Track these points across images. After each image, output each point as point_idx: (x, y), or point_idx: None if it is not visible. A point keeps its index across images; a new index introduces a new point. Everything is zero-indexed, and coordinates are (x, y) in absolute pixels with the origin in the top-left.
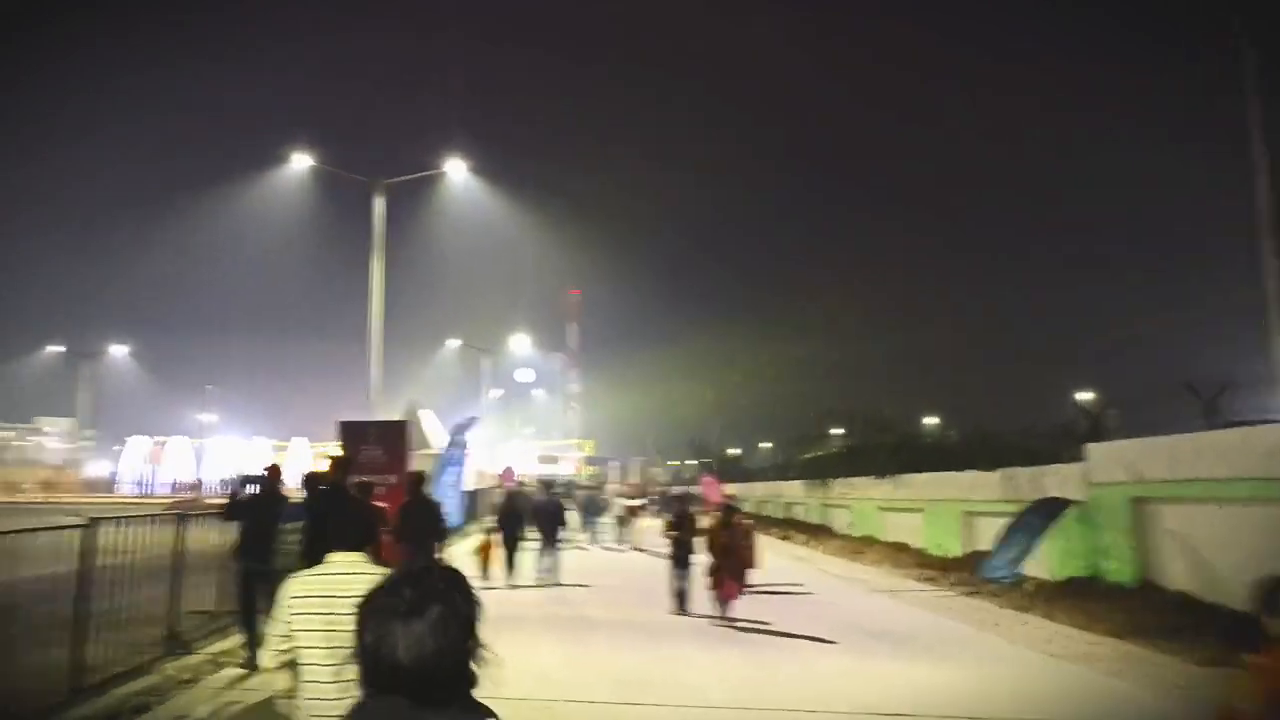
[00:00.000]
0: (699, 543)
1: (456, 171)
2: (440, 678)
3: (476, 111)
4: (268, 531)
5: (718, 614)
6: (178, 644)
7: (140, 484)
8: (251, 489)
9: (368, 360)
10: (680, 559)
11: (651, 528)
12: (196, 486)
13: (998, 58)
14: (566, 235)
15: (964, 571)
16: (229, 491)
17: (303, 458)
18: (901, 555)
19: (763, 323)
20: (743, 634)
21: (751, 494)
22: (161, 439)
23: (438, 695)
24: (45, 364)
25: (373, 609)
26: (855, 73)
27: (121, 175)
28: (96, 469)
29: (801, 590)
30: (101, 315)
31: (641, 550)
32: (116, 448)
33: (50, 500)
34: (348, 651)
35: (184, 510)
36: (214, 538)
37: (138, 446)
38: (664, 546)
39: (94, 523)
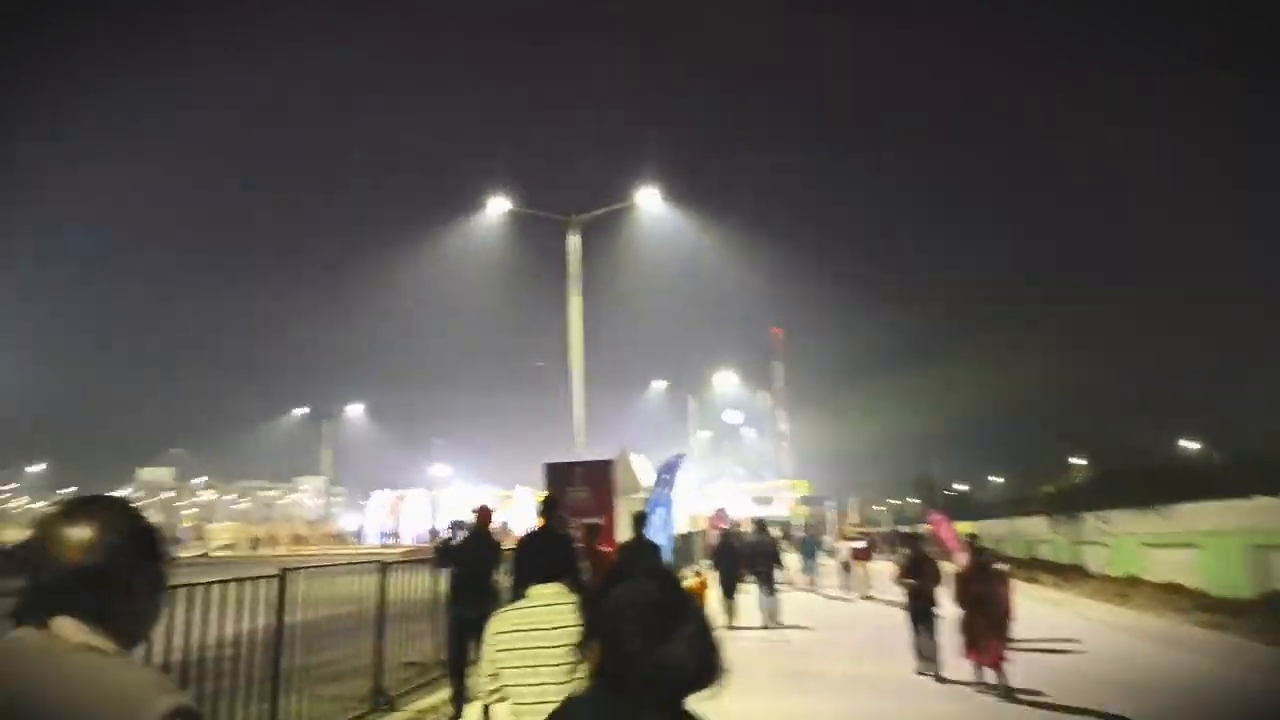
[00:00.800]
0: (943, 592)
1: (650, 201)
2: (691, 686)
3: (670, 144)
4: (480, 577)
5: (976, 679)
6: (383, 698)
7: (385, 535)
8: (462, 534)
9: (570, 402)
10: (920, 612)
11: (879, 572)
12: (394, 534)
13: None
14: (769, 268)
15: (1260, 616)
16: (440, 538)
17: (526, 505)
18: (1175, 597)
19: (982, 348)
20: (1018, 708)
21: (987, 532)
22: (401, 492)
23: (677, 701)
24: (294, 425)
25: (640, 616)
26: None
27: (335, 237)
28: (347, 522)
29: (1075, 646)
30: (337, 375)
31: (871, 598)
32: (363, 501)
33: (298, 553)
34: (555, 681)
35: (408, 559)
36: (428, 585)
37: (380, 500)
38: (897, 594)
39: (286, 573)
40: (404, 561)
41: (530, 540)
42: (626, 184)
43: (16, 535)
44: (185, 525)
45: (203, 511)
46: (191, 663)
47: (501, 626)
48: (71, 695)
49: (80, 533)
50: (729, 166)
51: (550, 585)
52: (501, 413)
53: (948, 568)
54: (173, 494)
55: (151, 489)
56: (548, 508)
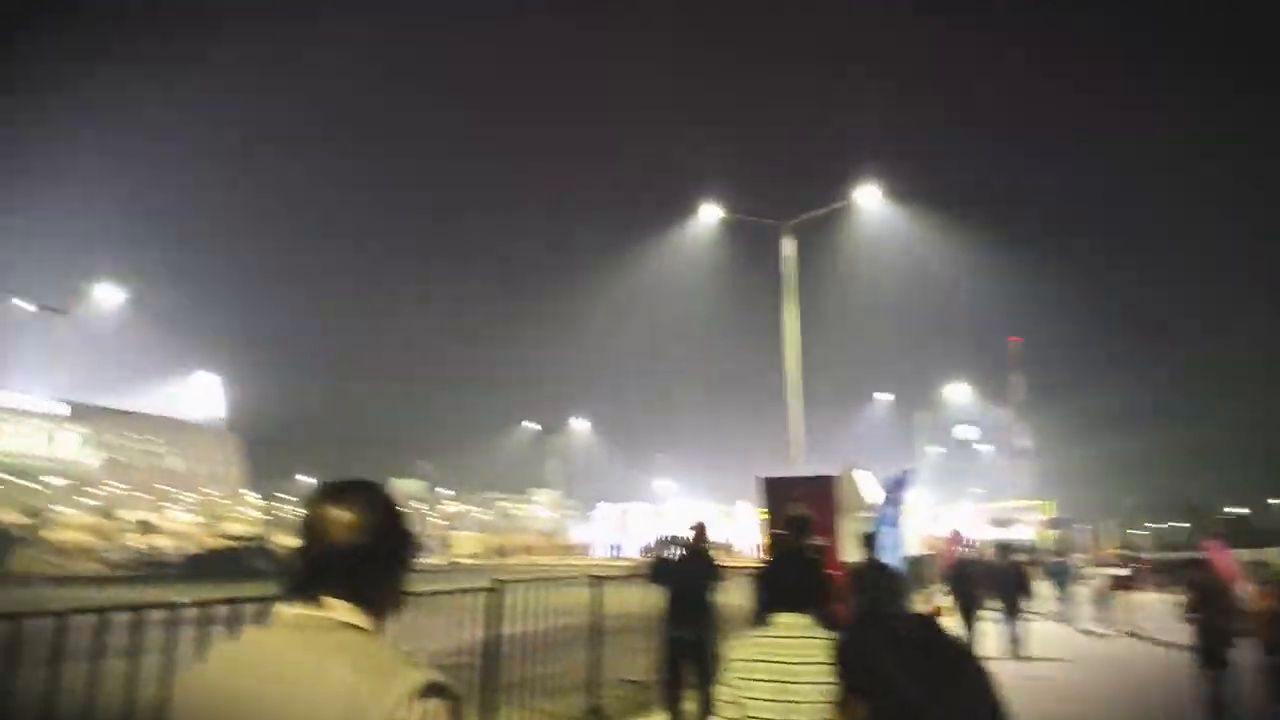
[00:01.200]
0: (1241, 630)
1: (869, 200)
2: None
3: (888, 142)
4: (696, 598)
5: None
6: (598, 717)
7: (611, 548)
8: (677, 550)
9: (786, 416)
10: (1213, 654)
11: (1144, 604)
12: (619, 547)
13: None
14: (1004, 271)
15: None
16: (653, 553)
17: (745, 521)
18: None
19: (1253, 356)
20: None
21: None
22: (626, 506)
23: None
24: (525, 440)
25: (913, 662)
26: None
27: (554, 253)
28: (578, 535)
29: None
30: (561, 390)
31: (1135, 634)
32: (590, 514)
33: (534, 563)
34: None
35: (629, 573)
36: (645, 601)
37: (605, 513)
38: (1168, 631)
39: (501, 585)
40: (619, 576)
41: (779, 563)
42: (841, 184)
43: (293, 540)
44: (433, 534)
45: (449, 521)
46: None
47: (746, 654)
48: (333, 668)
49: (347, 514)
50: (964, 161)
51: (801, 616)
52: (721, 426)
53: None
54: (423, 505)
55: (404, 499)
56: (798, 528)
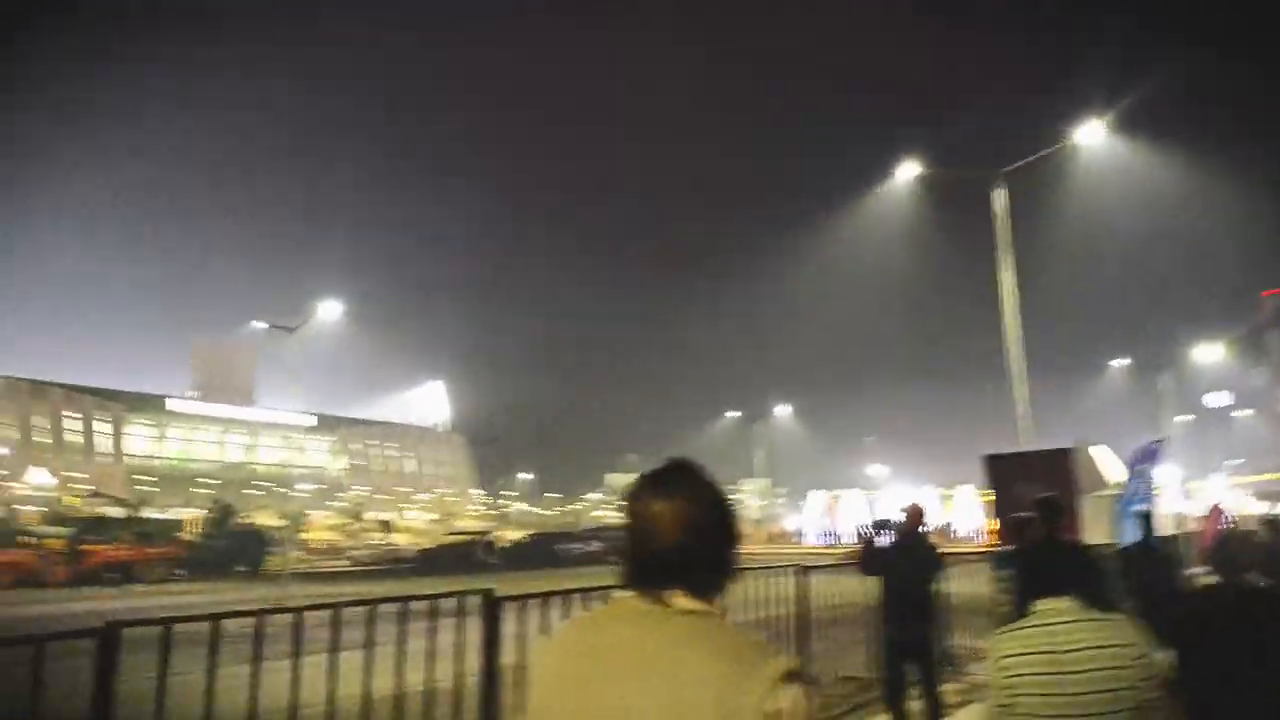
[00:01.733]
0: None
1: (1092, 137)
2: None
3: (1117, 70)
4: (915, 588)
5: None
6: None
7: (822, 536)
8: (887, 536)
9: (1008, 389)
10: None
11: None
12: (833, 534)
13: None
14: (1259, 216)
15: None
16: (863, 539)
17: (968, 505)
18: None
19: None
20: None
21: None
22: (836, 493)
23: None
24: (729, 428)
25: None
26: None
27: (743, 234)
28: (789, 523)
29: None
30: (762, 376)
31: None
32: (801, 502)
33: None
34: (1082, 715)
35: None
36: (859, 591)
37: (816, 500)
38: None
39: None
40: (828, 565)
41: (1037, 548)
42: (1058, 124)
43: (518, 535)
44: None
45: None
46: None
47: (1013, 648)
48: (692, 656)
49: (675, 503)
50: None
51: (1063, 600)
52: (935, 405)
53: None
54: None
55: (618, 493)
56: (1049, 512)
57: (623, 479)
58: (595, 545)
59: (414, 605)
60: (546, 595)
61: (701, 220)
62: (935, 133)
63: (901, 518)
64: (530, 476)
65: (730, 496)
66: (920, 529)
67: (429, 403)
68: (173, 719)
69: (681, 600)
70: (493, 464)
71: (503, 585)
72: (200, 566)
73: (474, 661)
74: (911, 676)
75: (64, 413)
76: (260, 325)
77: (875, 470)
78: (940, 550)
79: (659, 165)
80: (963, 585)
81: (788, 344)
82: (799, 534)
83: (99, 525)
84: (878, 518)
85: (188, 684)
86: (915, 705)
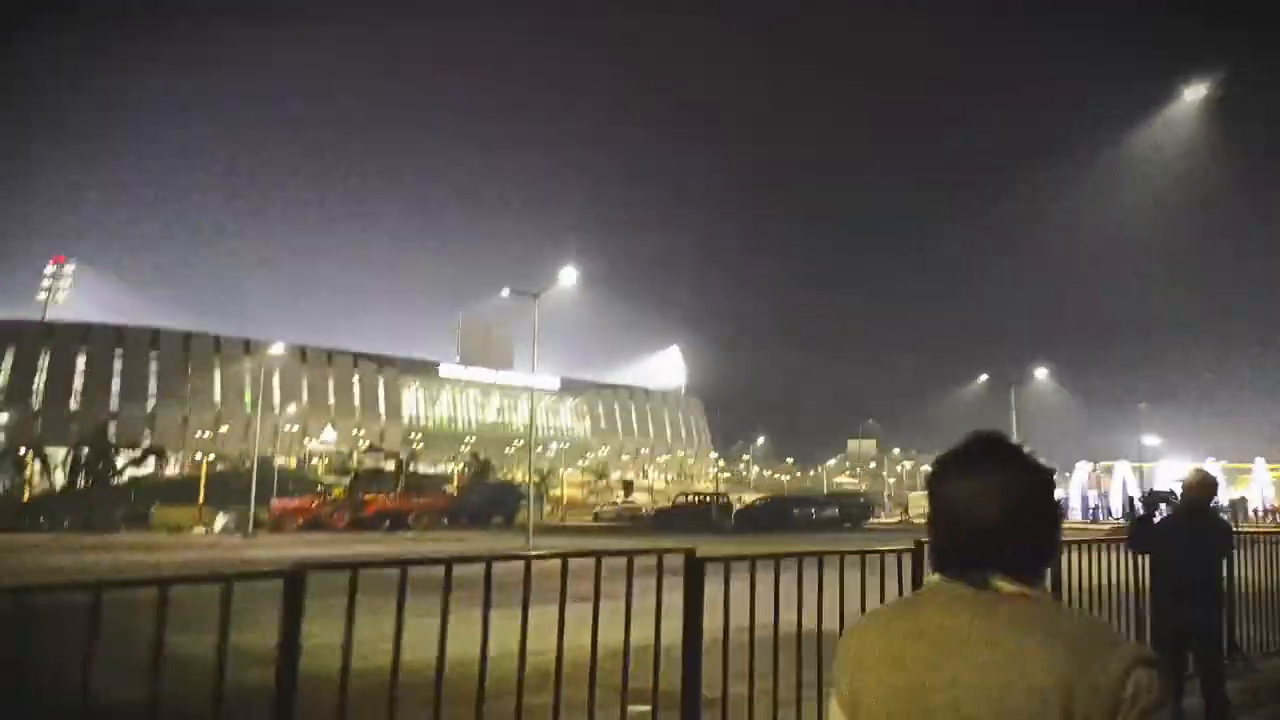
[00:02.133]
0: None
1: None
2: None
3: None
4: (1197, 570)
5: None
6: None
7: (1089, 510)
8: (1164, 510)
9: None
10: None
11: None
12: (1100, 510)
13: None
14: None
15: None
16: (1138, 514)
17: (1263, 481)
18: None
19: None
20: None
21: None
22: (1106, 464)
23: None
24: (980, 392)
25: None
26: None
27: (998, 186)
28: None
29: None
30: (1019, 335)
31: None
32: (1067, 474)
33: None
34: None
35: (1109, 538)
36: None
37: (1081, 473)
38: None
39: (920, 546)
40: (1088, 540)
41: None
42: None
43: (750, 497)
44: (888, 494)
45: (904, 480)
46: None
47: None
48: (1033, 644)
49: (992, 483)
50: None
51: None
52: (1223, 369)
53: None
54: (874, 464)
55: (859, 459)
56: None
57: (864, 445)
58: (832, 511)
59: (617, 561)
60: (753, 558)
61: (949, 169)
62: (1224, 52)
63: (1180, 489)
64: (765, 441)
65: (1049, 472)
66: (1210, 502)
67: (667, 367)
68: (359, 660)
69: (1005, 584)
70: (730, 428)
71: (734, 546)
72: (461, 517)
73: (676, 622)
74: (1189, 669)
75: (351, 376)
76: (506, 294)
77: (1148, 441)
78: (1229, 526)
79: (899, 118)
80: (1258, 570)
81: (1047, 298)
82: (1062, 507)
83: (375, 478)
84: (1154, 488)
85: (377, 627)
86: (1192, 702)
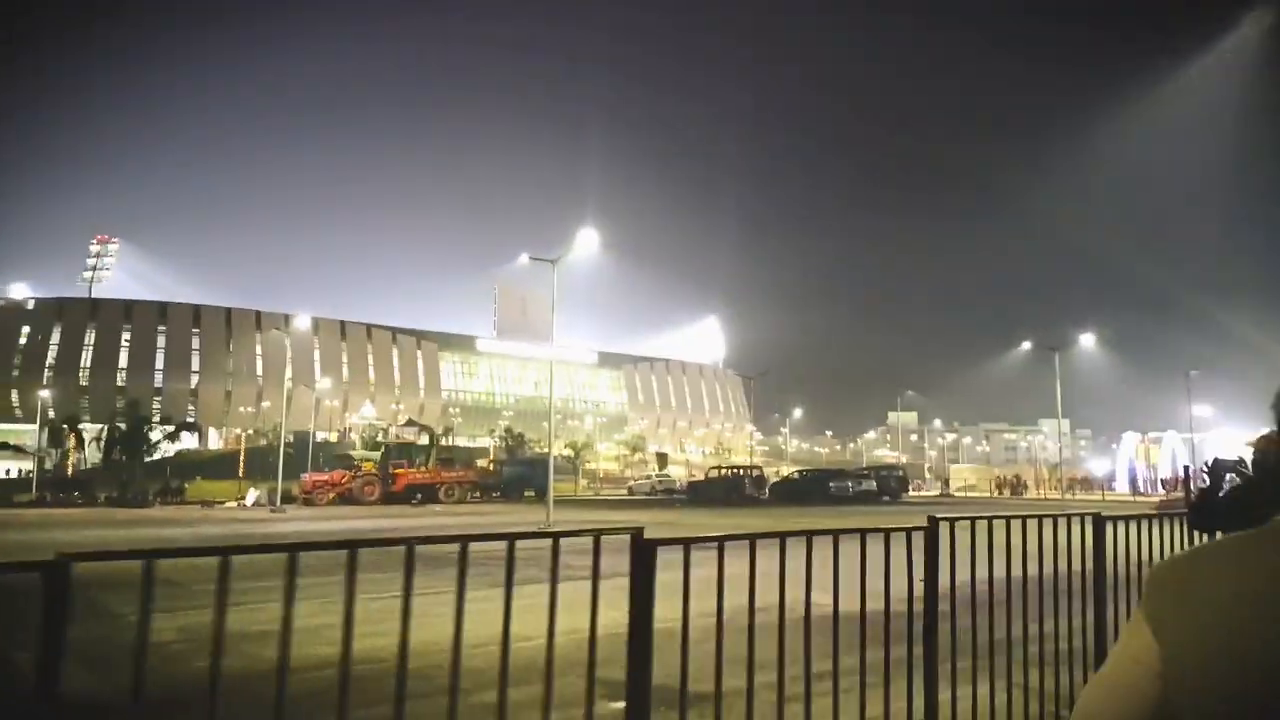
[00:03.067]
0: None
1: None
2: None
3: None
4: None
5: None
6: None
7: (1134, 483)
8: (1232, 480)
9: None
10: None
11: None
12: (1151, 482)
13: None
14: None
15: None
16: (1197, 486)
17: None
18: None
19: None
20: None
21: None
22: (1155, 435)
23: None
24: (1022, 361)
25: None
26: None
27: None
28: (1096, 467)
29: None
30: (1066, 300)
31: None
32: (1114, 445)
33: (1037, 498)
34: None
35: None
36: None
37: (1129, 443)
38: None
39: (936, 521)
40: (1135, 516)
41: None
42: None
43: (789, 468)
44: (927, 466)
45: (945, 453)
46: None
47: None
48: None
49: None
50: None
51: None
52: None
53: None
54: (914, 437)
55: (899, 432)
56: None
57: (904, 417)
58: (869, 484)
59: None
60: (721, 539)
61: (988, 127)
62: None
63: (1251, 454)
64: (803, 413)
65: None
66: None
67: (705, 339)
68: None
69: None
70: (768, 400)
71: (763, 520)
72: (494, 490)
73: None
74: None
75: (391, 351)
76: (525, 259)
77: (1199, 410)
78: None
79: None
80: None
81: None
82: (1108, 480)
83: (406, 451)
84: (1219, 457)
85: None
86: None
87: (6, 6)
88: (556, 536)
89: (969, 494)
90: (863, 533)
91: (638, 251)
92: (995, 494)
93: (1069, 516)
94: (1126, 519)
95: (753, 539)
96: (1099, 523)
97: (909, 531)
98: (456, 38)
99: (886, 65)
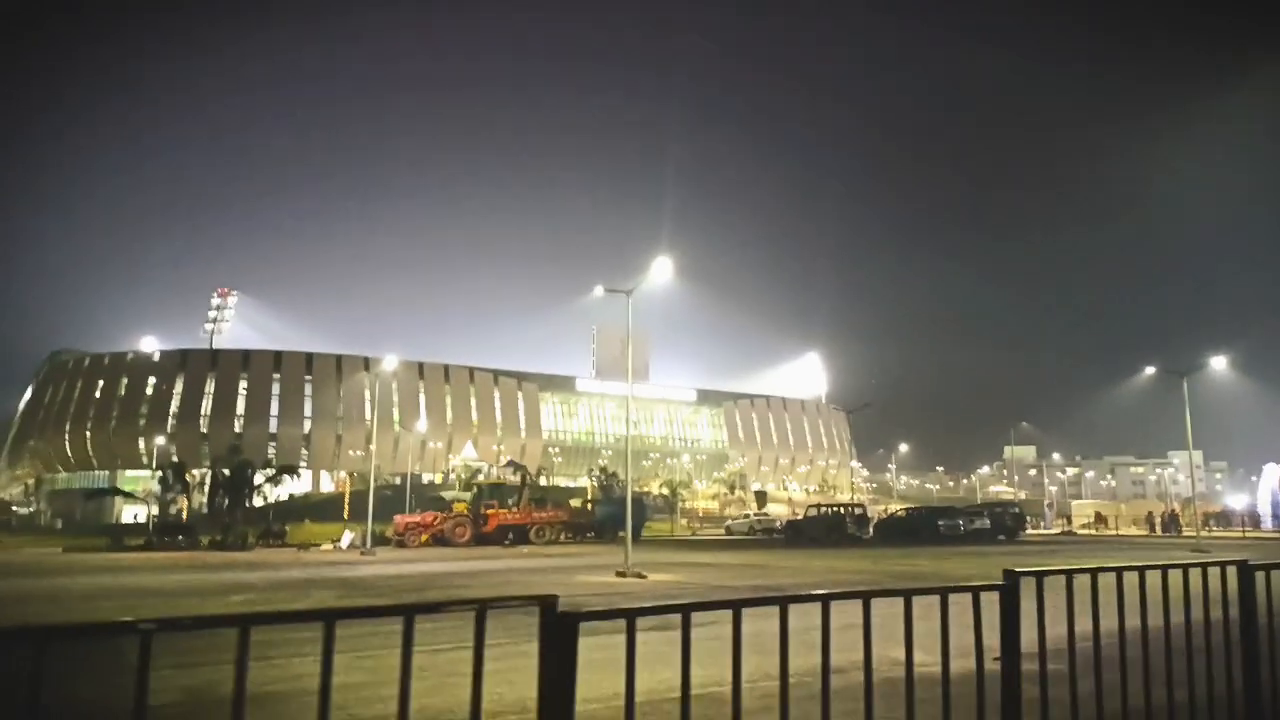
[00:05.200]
0: None
1: None
2: None
3: None
4: None
5: None
6: None
7: (1277, 517)
8: None
9: None
10: None
11: None
12: None
13: None
14: None
15: None
16: None
17: None
18: None
19: None
20: None
21: None
22: None
23: None
24: (1146, 388)
25: None
26: None
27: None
28: (1235, 501)
29: None
30: (1193, 320)
31: None
32: (1254, 477)
33: (1136, 535)
34: None
35: None
36: None
37: (1271, 476)
38: None
39: (1016, 576)
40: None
41: None
42: None
43: (897, 506)
44: (1046, 502)
45: (1065, 488)
46: None
47: None
48: None
49: None
50: None
51: None
52: None
53: None
54: (1032, 471)
55: (1017, 467)
56: None
57: (1023, 451)
58: (983, 522)
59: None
60: (639, 612)
61: (1102, 147)
62: None
63: None
64: (910, 448)
65: None
66: None
67: (807, 374)
68: None
69: None
70: (874, 436)
71: (859, 562)
72: (585, 530)
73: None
74: None
75: (493, 393)
76: (600, 292)
77: None
78: None
79: (1048, 101)
80: None
81: (1222, 274)
82: (1248, 515)
83: (498, 492)
84: None
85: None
86: None
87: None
88: (410, 612)
89: (1096, 531)
90: (907, 594)
91: (738, 291)
92: (1141, 530)
93: (1204, 566)
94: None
95: (737, 606)
96: (1246, 573)
97: (976, 591)
98: (537, 78)
99: (995, 82)
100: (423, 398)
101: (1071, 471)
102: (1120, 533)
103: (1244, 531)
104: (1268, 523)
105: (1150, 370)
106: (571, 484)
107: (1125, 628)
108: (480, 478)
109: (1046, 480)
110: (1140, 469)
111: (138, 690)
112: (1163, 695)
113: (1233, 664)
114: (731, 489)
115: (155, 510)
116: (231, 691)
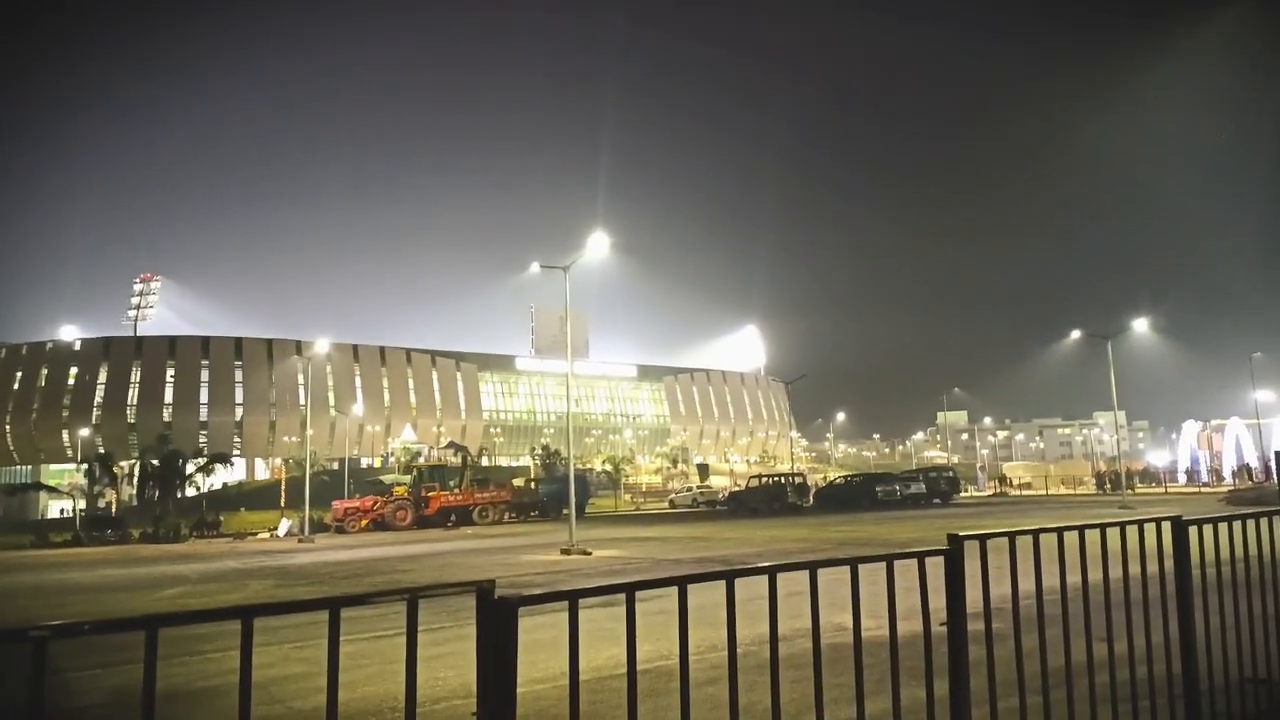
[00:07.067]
0: None
1: None
2: None
3: None
4: None
5: None
6: None
7: (1192, 474)
8: None
9: None
10: None
11: None
12: (1246, 470)
13: None
14: None
15: None
16: None
17: None
18: None
19: None
20: None
21: None
22: (1219, 423)
23: None
24: (1071, 352)
25: None
26: None
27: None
28: (1156, 459)
29: None
30: (1113, 287)
31: None
32: (1174, 435)
33: (1076, 495)
34: None
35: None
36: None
37: (1190, 433)
38: None
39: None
40: (1220, 517)
41: None
42: None
43: (837, 474)
44: (979, 465)
45: (996, 452)
46: None
47: None
48: None
49: None
50: None
51: None
52: None
53: None
54: (965, 436)
55: (950, 432)
56: None
57: (953, 417)
58: (918, 486)
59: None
60: (583, 593)
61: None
62: None
63: None
64: (847, 417)
65: None
66: None
67: (745, 347)
68: None
69: None
70: (812, 405)
71: (801, 530)
72: (529, 510)
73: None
74: None
75: (430, 374)
76: (536, 268)
77: (1264, 396)
78: None
79: (972, 59)
80: None
81: (1141, 246)
82: (1168, 472)
83: (438, 474)
84: None
85: None
86: None
87: (51, 49)
88: (335, 605)
89: (1022, 493)
90: (853, 564)
91: (676, 267)
92: (1069, 489)
93: (1140, 523)
94: (1215, 521)
95: (683, 583)
96: (1180, 528)
97: (921, 557)
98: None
99: (921, 51)
100: (359, 381)
101: (1002, 435)
102: (1049, 493)
103: (1165, 488)
104: (1185, 478)
105: (1076, 334)
106: (514, 463)
107: (1066, 585)
108: (420, 460)
109: (978, 444)
110: (1067, 430)
111: (33, 696)
112: (1103, 649)
113: (1168, 616)
114: (674, 463)
115: (82, 504)
116: (161, 691)
